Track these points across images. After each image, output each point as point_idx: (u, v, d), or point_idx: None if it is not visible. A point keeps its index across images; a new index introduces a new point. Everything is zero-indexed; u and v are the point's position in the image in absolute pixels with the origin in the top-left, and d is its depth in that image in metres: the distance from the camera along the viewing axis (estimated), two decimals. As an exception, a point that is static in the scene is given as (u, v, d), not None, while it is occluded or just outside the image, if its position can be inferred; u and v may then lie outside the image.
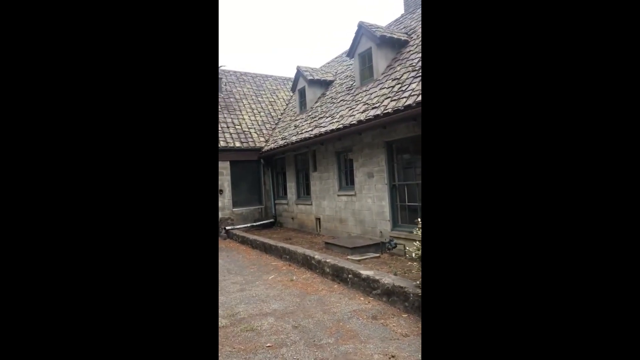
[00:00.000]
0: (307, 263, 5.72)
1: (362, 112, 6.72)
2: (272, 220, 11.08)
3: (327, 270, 5.13)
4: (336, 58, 12.66)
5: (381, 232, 6.80)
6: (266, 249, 7.27)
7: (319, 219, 8.95)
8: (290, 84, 14.52)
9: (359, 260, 5.84)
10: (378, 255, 6.18)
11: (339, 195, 8.08)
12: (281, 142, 9.74)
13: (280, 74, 15.33)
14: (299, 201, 9.87)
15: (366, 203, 7.17)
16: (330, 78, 10.52)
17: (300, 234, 9.20)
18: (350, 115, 7.12)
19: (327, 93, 10.03)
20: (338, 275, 4.89)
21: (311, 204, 9.22)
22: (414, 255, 3.67)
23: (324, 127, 7.89)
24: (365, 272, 4.43)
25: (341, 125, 7.11)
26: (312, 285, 4.86)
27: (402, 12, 10.39)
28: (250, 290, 4.78)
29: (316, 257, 5.47)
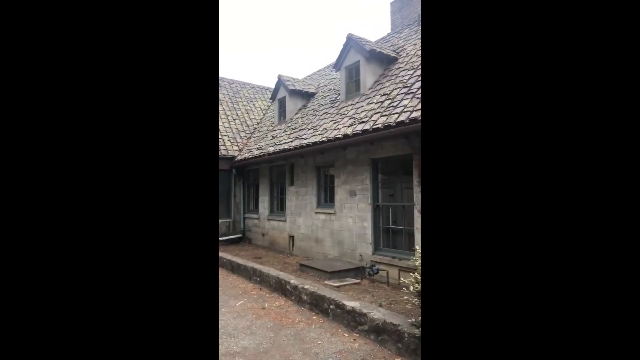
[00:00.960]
0: (280, 288, 5.10)
1: (349, 126, 6.32)
2: (240, 235, 10.30)
3: (305, 298, 4.54)
4: (318, 71, 12.37)
5: (361, 255, 6.32)
6: (233, 268, 6.55)
7: (293, 237, 8.34)
8: (269, 93, 14.06)
9: (338, 287, 5.30)
10: (358, 281, 5.67)
11: (316, 213, 7.55)
12: (257, 152, 9.14)
13: (257, 82, 14.85)
14: (272, 216, 9.22)
15: (346, 223, 6.69)
16: (312, 90, 10.15)
17: (271, 252, 8.52)
18: (335, 129, 6.71)
19: (309, 105, 9.62)
20: (317, 304, 4.31)
21: (285, 221, 8.61)
22: (411, 288, 3.20)
23: (306, 139, 7.41)
24: (350, 304, 3.89)
25: (325, 139, 6.66)
26: (287, 315, 4.25)
27: (389, 31, 10.32)
28: (215, 320, 4.08)
29: (292, 282, 4.87)
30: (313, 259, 7.17)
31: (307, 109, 9.42)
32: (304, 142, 7.31)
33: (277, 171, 9.27)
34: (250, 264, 6.19)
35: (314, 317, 4.18)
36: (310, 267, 6.21)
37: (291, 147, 7.64)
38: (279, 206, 9.21)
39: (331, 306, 4.10)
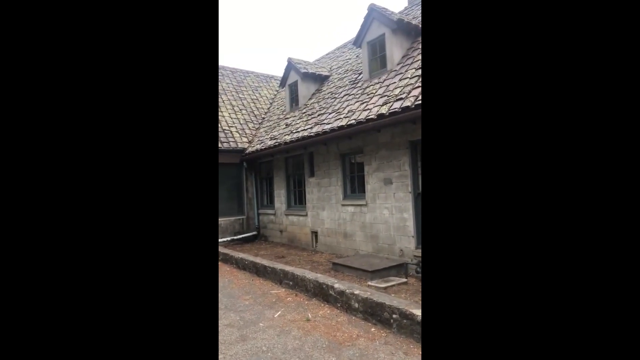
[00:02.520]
0: (321, 293, 4.40)
1: (383, 105, 5.57)
2: (255, 232, 9.60)
3: (356, 305, 3.84)
4: (327, 54, 11.56)
5: (402, 250, 5.62)
6: (258, 271, 5.84)
7: (316, 232, 7.64)
8: (274, 82, 13.28)
9: (385, 288, 4.62)
10: (404, 280, 4.98)
11: (343, 205, 6.84)
12: (270, 143, 8.38)
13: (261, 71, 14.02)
14: (290, 211, 8.50)
15: (381, 215, 5.98)
16: (325, 73, 9.37)
17: (293, 250, 7.82)
18: (365, 109, 5.96)
19: (324, 89, 8.84)
20: (374, 313, 3.61)
21: (306, 215, 7.90)
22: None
23: (328, 123, 6.67)
24: (420, 313, 3.19)
25: (353, 121, 5.91)
26: (339, 328, 3.55)
27: (406, 5, 9.52)
28: (256, 340, 3.38)
29: (336, 286, 4.17)
30: (343, 256, 6.48)
31: (322, 93, 8.64)
32: (327, 127, 6.56)
33: (294, 162, 8.53)
34: (279, 265, 5.48)
35: (373, 329, 3.48)
36: (346, 266, 5.52)
37: (311, 134, 6.90)
38: (297, 199, 8.49)
39: (394, 315, 3.40)
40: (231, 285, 5.32)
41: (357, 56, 8.95)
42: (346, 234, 6.78)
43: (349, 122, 6.05)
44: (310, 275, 4.73)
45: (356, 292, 3.90)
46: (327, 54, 11.63)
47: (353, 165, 6.87)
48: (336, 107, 7.09)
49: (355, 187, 6.79)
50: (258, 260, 6.02)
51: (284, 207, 8.72)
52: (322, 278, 4.56)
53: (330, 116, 6.97)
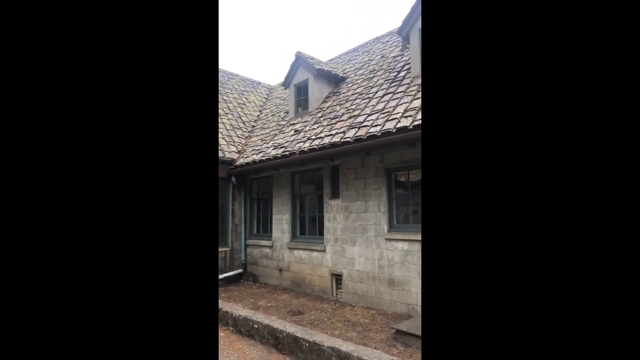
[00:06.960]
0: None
1: (477, 98, 3.90)
2: (240, 270, 7.27)
3: None
4: (333, 59, 9.96)
5: (499, 311, 3.78)
6: (281, 344, 3.64)
7: (340, 275, 5.59)
8: (261, 88, 11.43)
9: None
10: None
11: (389, 240, 4.93)
12: (275, 152, 6.36)
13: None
14: (296, 243, 6.39)
15: (460, 256, 4.15)
16: (340, 74, 7.69)
17: (303, 298, 5.67)
18: (442, 106, 4.25)
19: (342, 90, 7.12)
20: None
21: (323, 250, 5.84)
22: None
23: (375, 126, 4.86)
24: None
25: (425, 121, 4.17)
26: None
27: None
28: None
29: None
30: (389, 314, 4.50)
31: (342, 95, 6.89)
32: (374, 129, 4.75)
33: (306, 177, 6.54)
34: (326, 339, 3.33)
35: None
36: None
37: (348, 139, 5.03)
38: (308, 229, 6.42)
39: None
40: (244, 377, 3.08)
41: (382, 56, 7.42)
42: (393, 282, 4.83)
43: (414, 123, 4.29)
44: (403, 367, 2.69)
45: None
46: (332, 59, 10.04)
47: (403, 185, 5.06)
48: (379, 107, 5.34)
49: (407, 215, 4.95)
50: (278, 325, 3.82)
51: (286, 238, 6.58)
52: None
53: (372, 117, 5.18)
